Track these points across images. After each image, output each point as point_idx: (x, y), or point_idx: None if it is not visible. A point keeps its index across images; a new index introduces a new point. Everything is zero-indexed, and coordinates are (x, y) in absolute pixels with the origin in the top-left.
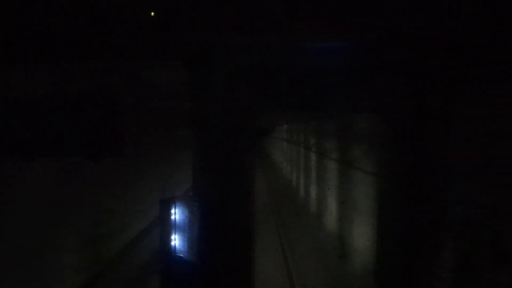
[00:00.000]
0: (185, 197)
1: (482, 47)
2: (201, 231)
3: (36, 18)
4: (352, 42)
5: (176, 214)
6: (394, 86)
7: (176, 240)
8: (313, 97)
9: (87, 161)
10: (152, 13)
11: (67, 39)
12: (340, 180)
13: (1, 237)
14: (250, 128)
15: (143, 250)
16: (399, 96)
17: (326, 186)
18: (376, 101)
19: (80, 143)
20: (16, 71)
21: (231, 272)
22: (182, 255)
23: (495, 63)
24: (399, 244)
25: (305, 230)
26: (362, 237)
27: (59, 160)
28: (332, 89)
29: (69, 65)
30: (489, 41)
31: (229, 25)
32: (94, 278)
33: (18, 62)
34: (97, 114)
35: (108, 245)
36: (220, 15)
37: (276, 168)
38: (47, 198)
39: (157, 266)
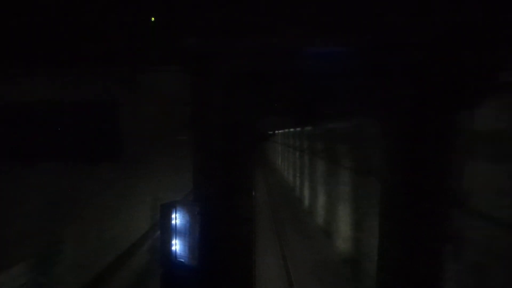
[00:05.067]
0: (186, 201)
1: (482, 51)
2: (202, 235)
3: (36, 23)
4: (352, 47)
5: (177, 218)
6: (393, 91)
7: (177, 245)
8: (313, 101)
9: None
10: (152, 18)
11: (67, 44)
12: (334, 180)
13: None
14: (250, 133)
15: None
16: (398, 101)
17: (323, 186)
18: (375, 106)
19: (79, 148)
20: (15, 76)
21: (232, 276)
22: (183, 260)
23: (495, 70)
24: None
25: (305, 235)
26: (359, 236)
27: (59, 164)
28: (331, 94)
29: (69, 70)
30: (489, 46)
31: (228, 30)
32: (95, 282)
33: (18, 67)
34: (97, 119)
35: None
36: (220, 20)
37: (275, 172)
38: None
39: (158, 270)
